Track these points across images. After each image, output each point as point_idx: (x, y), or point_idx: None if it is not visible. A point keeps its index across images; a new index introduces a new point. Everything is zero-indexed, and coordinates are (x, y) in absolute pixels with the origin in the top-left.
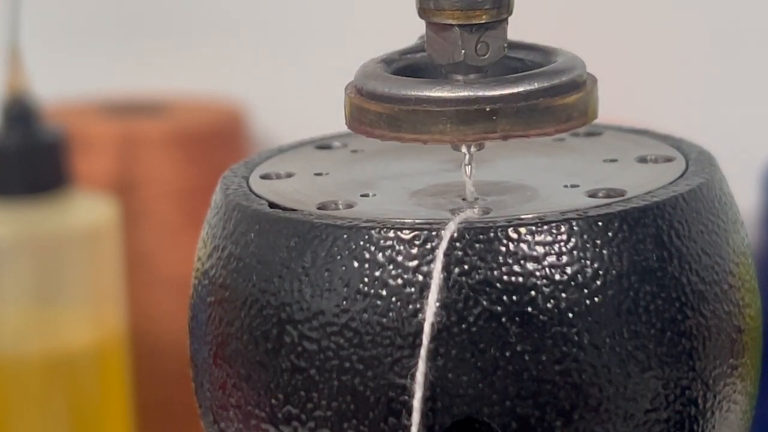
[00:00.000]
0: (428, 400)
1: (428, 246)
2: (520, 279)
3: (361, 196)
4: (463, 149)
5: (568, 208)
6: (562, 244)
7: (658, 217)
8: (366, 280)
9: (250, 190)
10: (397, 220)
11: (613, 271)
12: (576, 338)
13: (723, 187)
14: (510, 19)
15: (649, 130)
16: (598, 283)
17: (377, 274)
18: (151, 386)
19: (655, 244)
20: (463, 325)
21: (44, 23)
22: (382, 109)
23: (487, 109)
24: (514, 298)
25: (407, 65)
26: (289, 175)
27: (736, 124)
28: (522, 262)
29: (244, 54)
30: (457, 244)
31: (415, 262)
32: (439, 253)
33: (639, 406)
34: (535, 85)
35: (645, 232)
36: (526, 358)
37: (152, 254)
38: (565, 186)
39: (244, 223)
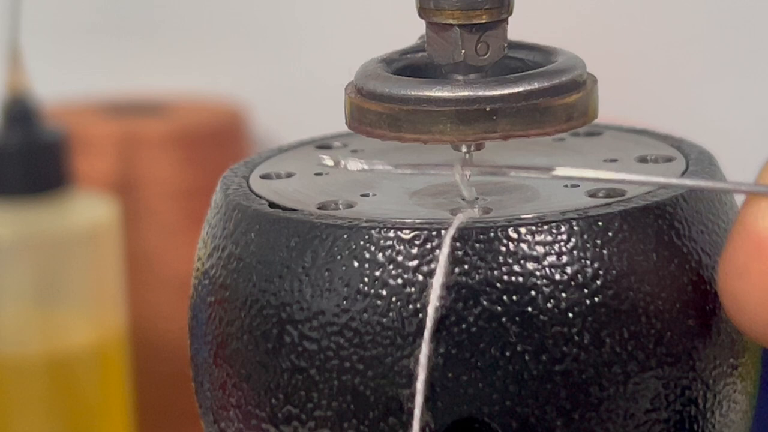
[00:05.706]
0: (428, 400)
1: (428, 246)
2: (520, 279)
3: (361, 196)
4: (463, 149)
5: (568, 208)
6: (562, 243)
7: (659, 217)
8: (366, 280)
9: (251, 190)
10: (398, 220)
11: (613, 271)
12: (576, 338)
13: None
14: (510, 19)
15: (649, 130)
16: (598, 283)
17: (377, 274)
18: (151, 386)
19: (655, 244)
20: (463, 325)
21: (44, 23)
22: (383, 109)
23: (487, 109)
24: (514, 298)
25: (407, 65)
26: (290, 175)
27: (736, 124)
28: (522, 262)
29: (244, 54)
30: (457, 244)
31: (415, 262)
32: (447, 239)
33: (639, 406)
34: (536, 85)
35: (645, 232)
36: (526, 358)
37: (152, 254)
38: (565, 186)
39: (244, 223)
